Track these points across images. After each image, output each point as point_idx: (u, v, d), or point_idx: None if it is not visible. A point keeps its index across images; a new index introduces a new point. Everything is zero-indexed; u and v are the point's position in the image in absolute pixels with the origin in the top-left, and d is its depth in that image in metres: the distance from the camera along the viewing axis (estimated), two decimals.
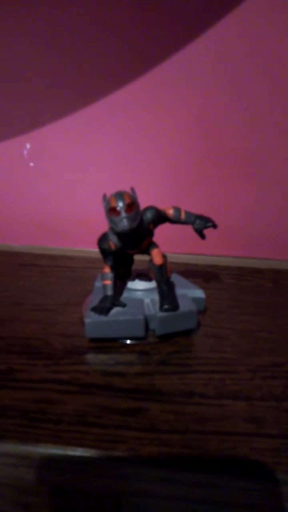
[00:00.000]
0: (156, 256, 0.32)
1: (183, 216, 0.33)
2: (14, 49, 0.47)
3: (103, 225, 0.32)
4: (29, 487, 0.25)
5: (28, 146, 0.50)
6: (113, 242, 0.31)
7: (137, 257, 0.36)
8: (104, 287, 0.33)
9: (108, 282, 0.33)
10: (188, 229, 0.35)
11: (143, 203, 0.32)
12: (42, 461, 0.23)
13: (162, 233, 0.38)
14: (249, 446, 0.23)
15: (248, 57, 0.45)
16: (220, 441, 0.23)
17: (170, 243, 0.47)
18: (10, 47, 0.47)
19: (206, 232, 0.39)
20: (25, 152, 0.50)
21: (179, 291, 0.35)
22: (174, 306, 0.32)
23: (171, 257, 0.48)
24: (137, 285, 0.36)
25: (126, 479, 0.23)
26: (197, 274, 0.47)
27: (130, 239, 0.31)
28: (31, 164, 0.51)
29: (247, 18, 0.43)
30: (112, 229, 0.30)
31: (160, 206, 0.33)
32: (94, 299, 0.34)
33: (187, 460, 0.22)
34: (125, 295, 0.35)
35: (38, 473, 0.24)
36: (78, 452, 0.23)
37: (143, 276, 0.37)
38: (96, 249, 0.33)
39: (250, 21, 0.43)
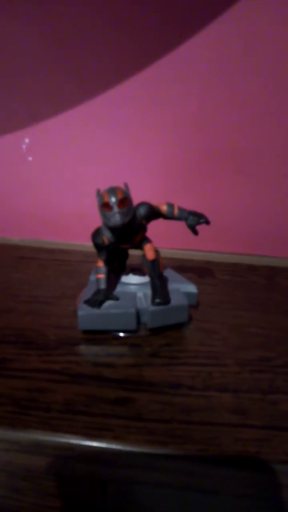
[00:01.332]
0: (148, 251, 0.33)
1: (176, 212, 0.34)
2: (13, 44, 0.47)
3: (99, 220, 0.33)
4: (19, 471, 0.26)
5: (27, 140, 0.51)
6: (107, 236, 0.32)
7: (132, 252, 0.37)
8: (98, 280, 0.34)
9: (102, 276, 0.34)
10: (184, 225, 0.35)
11: (139, 199, 0.32)
12: (31, 447, 0.24)
13: (157, 229, 0.38)
14: (233, 436, 0.24)
15: (247, 54, 0.45)
16: (204, 431, 0.24)
17: (166, 239, 0.47)
18: (9, 42, 0.47)
19: (202, 228, 0.40)
20: (23, 146, 0.51)
21: (172, 286, 0.36)
22: (166, 300, 0.33)
23: (166, 253, 0.49)
24: (130, 279, 0.36)
25: (113, 466, 0.24)
26: (192, 269, 0.47)
27: (123, 234, 0.31)
28: (30, 158, 0.52)
29: (246, 15, 0.43)
30: (105, 224, 0.30)
31: (156, 202, 0.34)
32: (88, 292, 0.35)
33: (172, 448, 0.23)
34: (118, 289, 0.36)
35: (27, 458, 0.24)
36: (66, 438, 0.23)
37: (137, 270, 0.37)
38: (92, 244, 0.33)
39: (249, 17, 0.43)
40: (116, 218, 0.28)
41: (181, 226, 0.38)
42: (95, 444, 0.23)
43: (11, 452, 0.25)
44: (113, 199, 0.28)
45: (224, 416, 0.25)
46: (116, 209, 0.28)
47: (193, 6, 0.44)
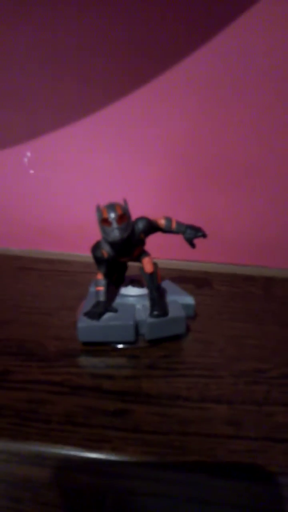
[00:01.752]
0: (147, 264, 0.34)
1: (174, 226, 0.35)
2: (14, 59, 0.48)
3: (98, 231, 0.34)
4: (19, 482, 0.27)
5: (28, 154, 0.52)
6: (106, 250, 0.33)
7: (131, 264, 0.37)
8: (97, 293, 0.35)
9: (101, 288, 0.35)
10: (181, 237, 0.36)
11: (137, 213, 0.33)
12: (31, 458, 0.24)
13: (156, 240, 0.39)
14: (227, 448, 0.24)
15: (244, 68, 0.46)
16: (200, 442, 0.25)
17: (164, 250, 0.48)
18: (10, 56, 0.48)
19: (199, 239, 0.41)
20: (25, 159, 0.52)
21: (170, 298, 0.37)
22: (164, 312, 0.33)
23: (164, 263, 0.50)
24: (129, 291, 0.37)
25: (111, 477, 0.24)
26: (189, 280, 0.48)
27: (122, 248, 0.32)
28: (31, 171, 0.53)
29: (247, 28, 0.45)
30: (104, 238, 0.31)
31: (154, 215, 0.35)
32: (87, 304, 0.36)
33: (169, 459, 0.24)
34: (117, 300, 0.36)
35: (28, 469, 0.25)
36: (66, 450, 0.24)
37: (136, 282, 0.38)
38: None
39: (250, 31, 0.45)
40: (115, 233, 0.29)
41: (179, 237, 0.39)
42: (94, 455, 0.24)
43: (11, 463, 0.25)
44: (112, 215, 0.29)
45: (219, 427, 0.26)
46: (115, 224, 0.29)
47: (194, 18, 0.45)
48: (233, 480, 0.23)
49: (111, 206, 0.30)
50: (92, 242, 0.34)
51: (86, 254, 0.53)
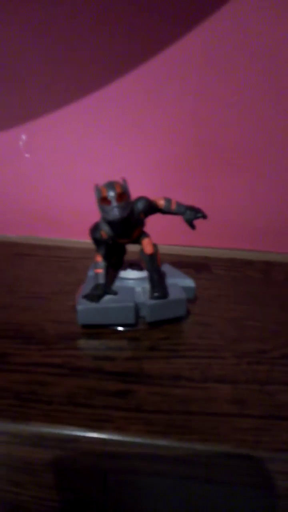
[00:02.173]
0: (147, 246, 0.33)
1: (173, 206, 0.34)
2: (9, 43, 0.47)
3: (97, 216, 0.33)
4: (20, 465, 0.26)
5: (23, 137, 0.51)
6: (105, 231, 0.32)
7: (130, 248, 0.37)
8: (96, 275, 0.34)
9: (100, 271, 0.34)
10: (181, 222, 0.36)
11: (136, 194, 0.33)
12: (33, 439, 0.24)
13: (155, 225, 0.39)
14: (231, 426, 0.24)
15: (243, 50, 0.45)
16: (203, 421, 0.24)
17: (164, 235, 0.48)
18: (5, 40, 0.47)
19: (199, 224, 0.40)
20: (21, 143, 0.51)
21: (170, 281, 0.36)
22: (164, 294, 0.33)
23: (164, 249, 0.49)
24: (128, 274, 0.36)
25: (113, 457, 0.24)
26: (189, 265, 0.48)
27: (121, 228, 0.31)
28: (27, 155, 0.52)
29: (240, 11, 0.44)
30: (103, 218, 0.31)
31: (154, 197, 0.34)
32: (86, 287, 0.35)
33: (172, 438, 0.23)
34: (117, 284, 0.36)
35: (29, 451, 0.25)
36: (68, 430, 0.24)
37: (135, 265, 0.38)
38: (90, 240, 0.34)
39: (244, 13, 0.44)
40: (115, 212, 0.29)
41: (178, 222, 0.38)
42: (96, 435, 0.23)
43: (12, 445, 0.25)
44: (111, 194, 0.29)
45: (222, 406, 0.26)
46: (114, 203, 0.29)
47: (188, 4, 0.44)
48: (237, 458, 0.23)
49: (110, 185, 0.29)
50: (90, 227, 0.33)
51: (84, 240, 0.52)
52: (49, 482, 0.27)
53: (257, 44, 0.45)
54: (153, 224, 0.35)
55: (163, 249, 0.37)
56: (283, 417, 0.25)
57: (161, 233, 0.43)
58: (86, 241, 0.51)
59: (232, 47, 0.45)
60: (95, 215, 0.32)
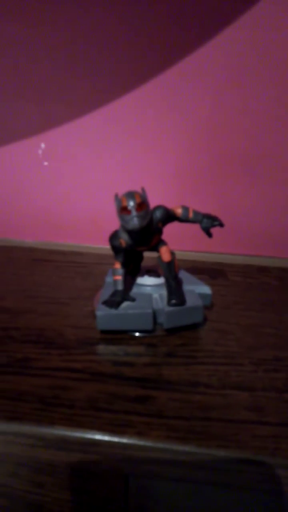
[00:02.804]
0: (164, 253, 0.34)
1: (191, 215, 0.35)
2: (27, 51, 0.48)
3: (113, 223, 0.34)
4: (44, 467, 0.27)
5: (43, 146, 0.52)
6: (124, 239, 0.33)
7: (146, 255, 0.38)
8: (115, 282, 0.35)
9: (119, 278, 0.35)
10: (196, 228, 0.36)
11: (153, 202, 0.33)
12: (56, 443, 0.25)
13: (171, 231, 0.39)
14: (251, 433, 0.25)
15: (257, 61, 0.46)
16: (223, 428, 0.25)
17: (179, 241, 0.48)
18: (24, 48, 0.48)
19: (214, 230, 0.41)
20: (40, 151, 0.52)
21: (187, 287, 0.37)
22: (181, 301, 0.34)
23: (180, 255, 0.50)
24: (146, 280, 0.37)
25: (135, 461, 0.25)
26: (204, 271, 0.48)
27: (140, 237, 0.32)
28: (46, 163, 0.53)
29: (257, 21, 0.44)
30: (123, 227, 0.31)
31: (169, 204, 0.35)
32: (105, 293, 0.36)
33: (192, 444, 0.24)
34: (134, 290, 0.37)
35: (52, 454, 0.25)
36: (90, 434, 0.24)
37: (152, 272, 0.38)
38: (106, 246, 0.34)
39: (261, 24, 0.44)
40: (134, 221, 0.29)
41: (194, 229, 0.39)
42: (118, 439, 0.24)
43: (36, 448, 0.25)
44: (131, 203, 0.29)
45: (241, 413, 0.26)
46: (134, 212, 0.29)
47: (207, 12, 0.44)
48: (257, 465, 0.23)
49: (130, 194, 0.30)
50: (106, 234, 0.34)
51: (100, 246, 0.53)
52: (71, 485, 0.28)
53: (273, 54, 0.45)
54: (168, 230, 0.36)
55: (177, 255, 0.37)
56: None
57: (175, 238, 0.44)
58: (102, 246, 0.53)
59: (247, 57, 0.46)
60: (110, 222, 0.33)
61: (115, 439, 0.24)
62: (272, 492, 0.24)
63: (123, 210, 0.30)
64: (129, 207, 0.29)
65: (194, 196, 0.52)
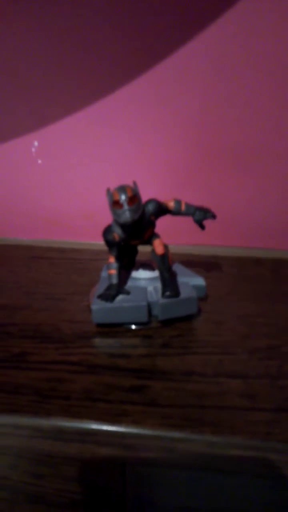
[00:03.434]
0: (158, 246, 0.34)
1: (183, 208, 0.35)
2: (19, 50, 0.49)
3: (107, 219, 0.34)
4: (42, 458, 0.28)
5: (36, 143, 0.52)
6: (117, 233, 0.33)
7: (141, 249, 0.38)
8: (109, 276, 0.35)
9: (113, 272, 0.35)
10: (190, 221, 0.37)
11: (145, 196, 0.34)
12: (53, 433, 0.25)
13: (165, 225, 0.40)
14: (244, 419, 0.25)
15: (247, 52, 0.46)
16: (217, 414, 0.25)
17: (173, 234, 0.49)
18: (15, 47, 0.48)
19: (208, 223, 0.41)
20: (33, 149, 0.52)
21: (181, 279, 0.37)
22: (176, 293, 0.34)
23: (174, 248, 0.50)
24: (140, 274, 0.37)
25: (131, 449, 0.25)
26: (199, 264, 0.48)
27: (133, 230, 0.33)
28: (39, 161, 0.53)
29: (246, 14, 0.44)
30: (116, 221, 0.32)
31: (162, 199, 0.35)
32: (100, 288, 0.36)
33: (187, 431, 0.24)
34: (129, 283, 0.37)
35: (50, 445, 0.26)
36: (87, 424, 0.25)
37: (146, 266, 0.39)
38: (101, 242, 0.35)
39: (249, 16, 0.44)
40: (126, 215, 0.30)
41: (187, 222, 0.39)
42: (114, 428, 0.24)
43: (33, 439, 0.26)
44: (123, 197, 0.30)
45: (235, 400, 0.27)
46: (126, 206, 0.30)
47: (194, 7, 0.45)
48: (251, 450, 0.24)
49: (122, 188, 0.30)
50: (100, 230, 0.35)
51: (95, 242, 0.54)
52: (69, 475, 0.29)
53: (260, 46, 0.45)
54: (161, 223, 0.36)
55: (171, 248, 0.38)
56: None
57: (169, 232, 0.44)
58: (98, 243, 0.53)
59: (235, 50, 0.46)
60: (105, 218, 0.34)
61: (112, 428, 0.25)
62: (266, 476, 0.25)
63: (115, 204, 0.30)
64: (121, 201, 0.30)
65: (187, 189, 0.52)
